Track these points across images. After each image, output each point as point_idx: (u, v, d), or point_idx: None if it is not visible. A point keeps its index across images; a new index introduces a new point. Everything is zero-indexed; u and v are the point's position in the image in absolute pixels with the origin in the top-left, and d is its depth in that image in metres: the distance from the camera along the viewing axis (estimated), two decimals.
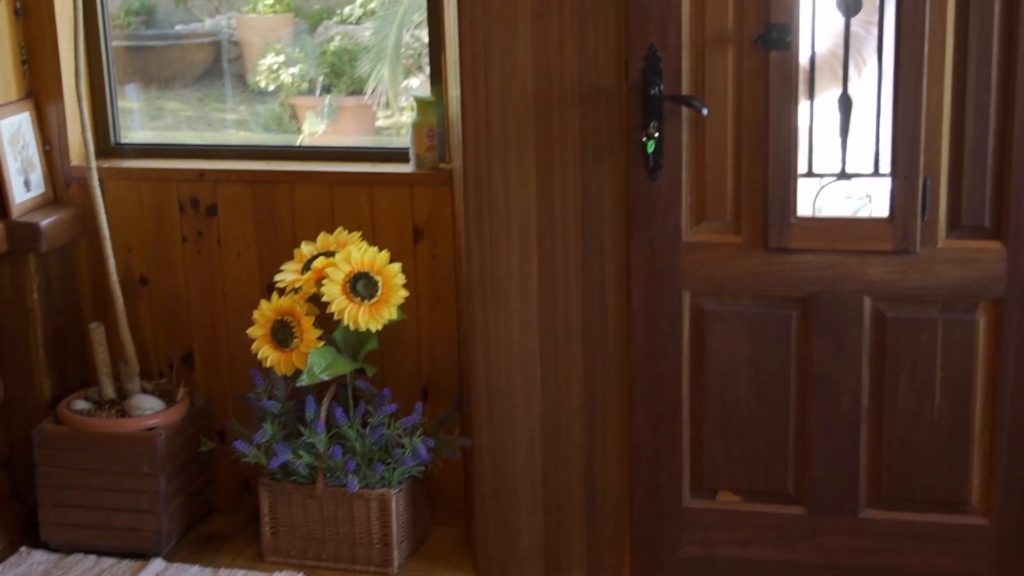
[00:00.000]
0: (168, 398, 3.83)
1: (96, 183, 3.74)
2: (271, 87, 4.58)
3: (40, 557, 3.73)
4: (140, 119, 4.39)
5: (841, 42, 3.44)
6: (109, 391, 3.82)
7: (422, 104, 3.68)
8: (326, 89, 4.63)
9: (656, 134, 3.11)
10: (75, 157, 3.86)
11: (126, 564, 3.68)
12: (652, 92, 3.09)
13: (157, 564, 3.67)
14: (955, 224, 3.10)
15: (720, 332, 3.24)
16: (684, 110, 3.12)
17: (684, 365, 3.27)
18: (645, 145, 3.12)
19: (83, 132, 3.72)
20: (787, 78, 3.06)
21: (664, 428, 3.31)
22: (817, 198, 3.20)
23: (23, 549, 3.77)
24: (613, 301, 3.33)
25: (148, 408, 3.76)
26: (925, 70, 3.01)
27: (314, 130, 4.54)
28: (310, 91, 4.63)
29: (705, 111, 3.07)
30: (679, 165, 3.16)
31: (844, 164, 3.16)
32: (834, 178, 3.18)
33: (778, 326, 3.22)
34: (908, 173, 3.05)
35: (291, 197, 3.78)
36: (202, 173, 3.82)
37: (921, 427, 3.21)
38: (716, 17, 3.10)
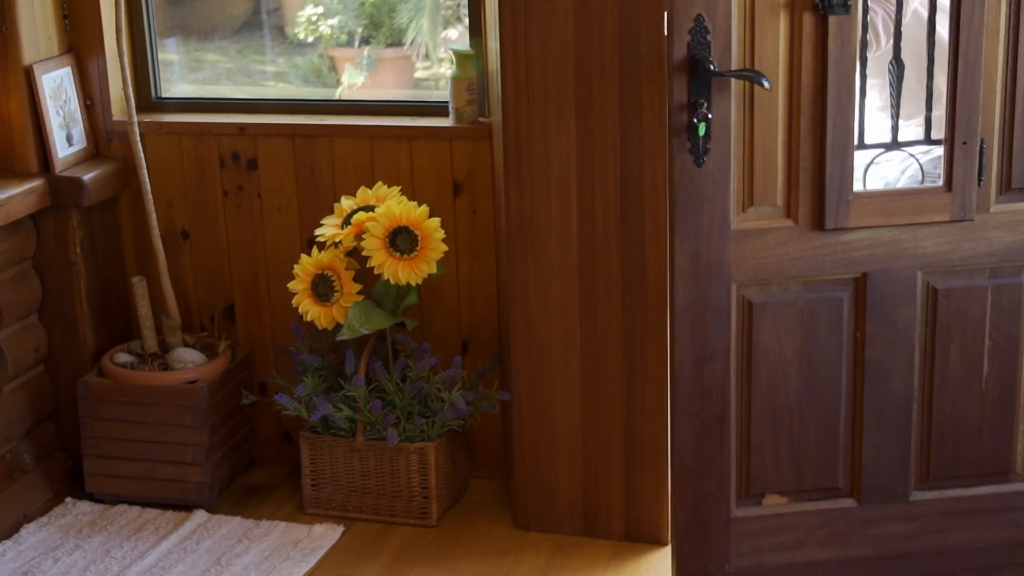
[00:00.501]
0: (210, 351, 3.86)
1: (137, 137, 3.75)
2: (310, 39, 4.56)
3: (85, 508, 3.78)
4: (180, 72, 4.38)
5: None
6: (151, 344, 3.85)
7: (461, 58, 3.66)
8: (365, 40, 4.61)
9: (709, 115, 2.83)
10: (116, 112, 3.88)
11: (169, 515, 3.72)
12: (709, 68, 2.80)
13: (200, 515, 3.71)
14: (1006, 187, 3.01)
15: (769, 325, 3.03)
16: (734, 86, 2.87)
17: (732, 365, 3.04)
18: (695, 128, 2.83)
19: (124, 87, 3.73)
20: (847, 44, 2.86)
21: (711, 437, 3.08)
22: (868, 171, 3.05)
23: (69, 500, 3.81)
24: (652, 253, 3.32)
25: (190, 361, 3.79)
26: (985, 30, 2.88)
27: (353, 82, 4.52)
28: (349, 43, 4.61)
29: (768, 85, 2.80)
30: (727, 147, 2.89)
31: (896, 133, 3.02)
32: (883, 149, 3.06)
33: (829, 311, 3.04)
34: (967, 138, 2.93)
35: (331, 151, 3.79)
36: (242, 127, 3.83)
37: (969, 399, 3.12)
38: None
